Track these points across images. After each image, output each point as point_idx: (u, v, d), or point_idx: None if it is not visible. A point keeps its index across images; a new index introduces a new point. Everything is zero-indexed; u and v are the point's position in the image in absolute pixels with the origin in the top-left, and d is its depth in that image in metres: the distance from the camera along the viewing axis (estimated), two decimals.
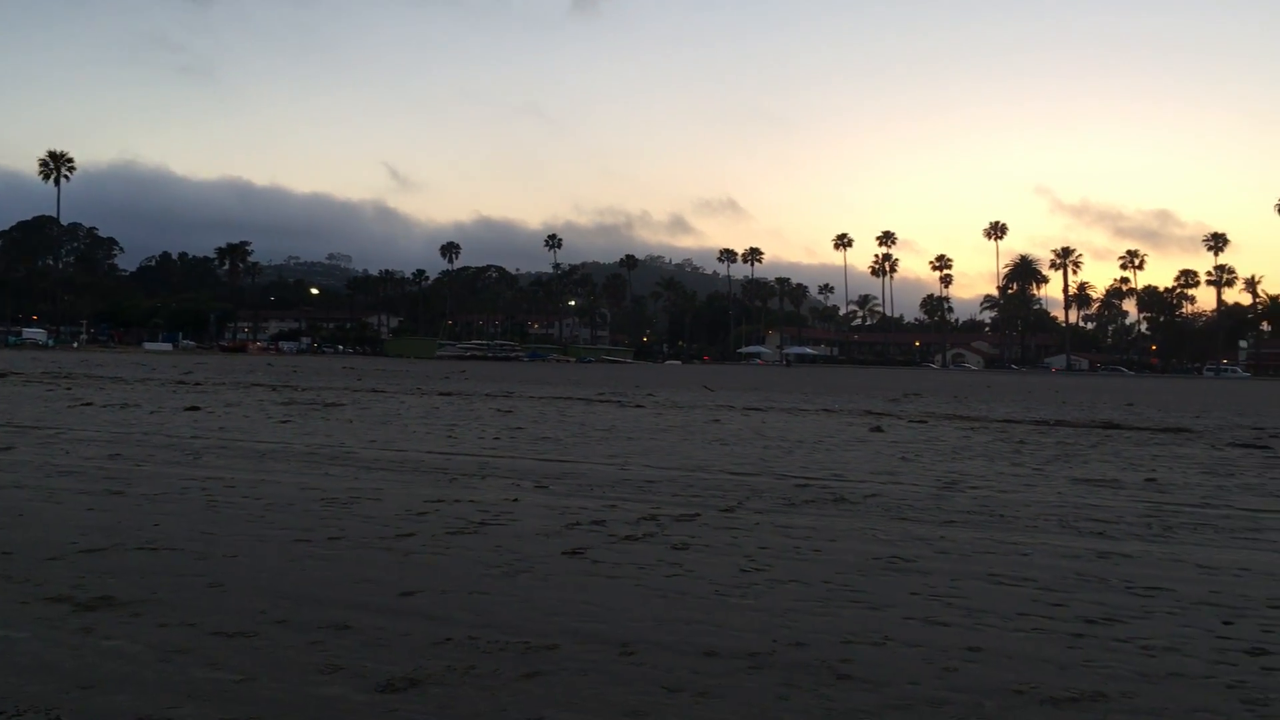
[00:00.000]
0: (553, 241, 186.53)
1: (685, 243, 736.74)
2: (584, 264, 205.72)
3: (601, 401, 27.52)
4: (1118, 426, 21.06)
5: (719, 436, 16.73)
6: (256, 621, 5.17)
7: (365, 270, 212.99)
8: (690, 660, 4.72)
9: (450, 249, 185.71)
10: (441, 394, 29.62)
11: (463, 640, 4.94)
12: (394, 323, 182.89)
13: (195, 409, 20.13)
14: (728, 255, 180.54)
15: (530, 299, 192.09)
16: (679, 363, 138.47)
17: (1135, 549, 7.55)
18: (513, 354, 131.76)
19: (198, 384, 31.84)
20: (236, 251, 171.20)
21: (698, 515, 8.65)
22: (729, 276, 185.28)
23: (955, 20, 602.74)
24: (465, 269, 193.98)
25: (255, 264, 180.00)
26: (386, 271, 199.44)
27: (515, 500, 9.27)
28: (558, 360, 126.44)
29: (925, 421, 21.75)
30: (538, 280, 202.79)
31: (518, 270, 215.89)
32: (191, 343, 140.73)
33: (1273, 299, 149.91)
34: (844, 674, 4.56)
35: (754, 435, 17.22)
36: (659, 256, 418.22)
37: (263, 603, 5.53)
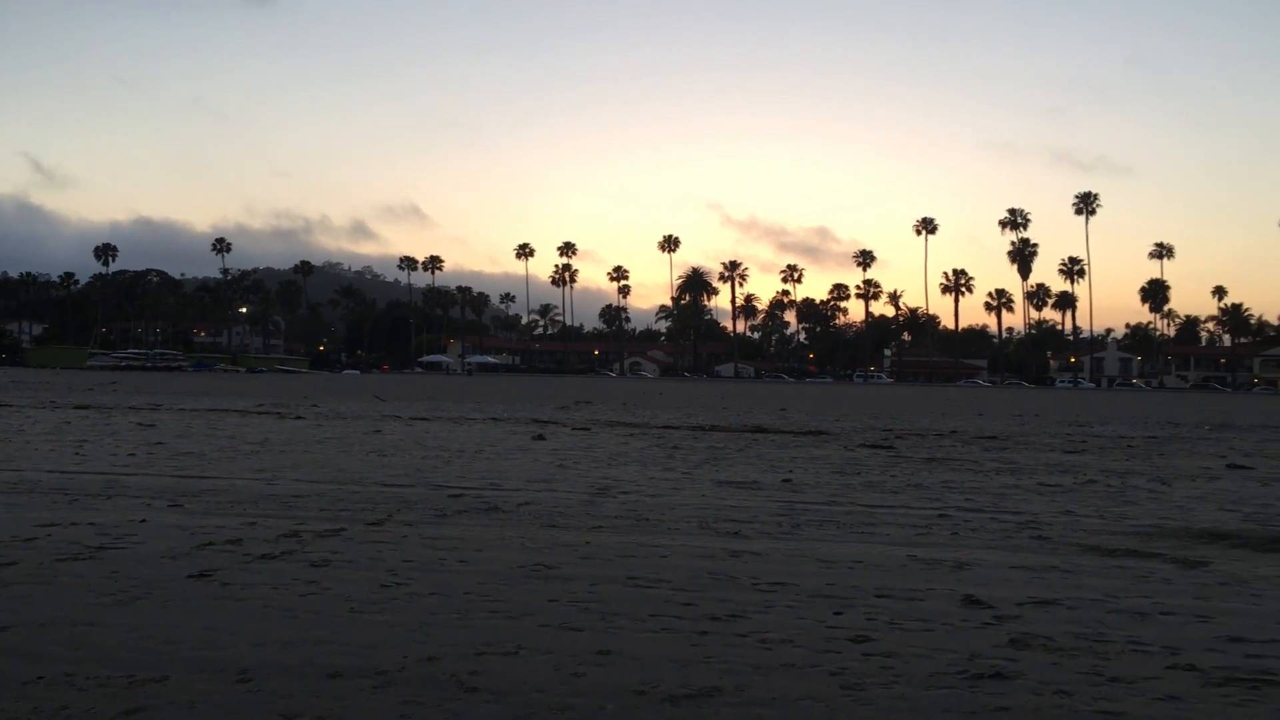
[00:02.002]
0: (221, 245, 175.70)
1: (367, 249, 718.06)
2: (257, 269, 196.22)
3: (260, 413, 26.21)
4: (766, 430, 22.48)
5: (378, 448, 16.32)
6: None
7: (5, 273, 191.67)
8: (313, 683, 4.52)
9: (106, 251, 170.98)
10: (78, 407, 27.12)
11: (57, 678, 4.49)
12: (39, 330, 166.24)
13: None
14: (409, 263, 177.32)
15: (196, 306, 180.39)
16: (357, 372, 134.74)
17: (765, 546, 8.01)
18: (175, 364, 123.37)
19: None
20: None
21: (343, 530, 8.36)
22: (410, 284, 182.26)
23: (633, 38, 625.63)
24: (123, 273, 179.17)
25: None
26: (29, 274, 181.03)
27: (143, 521, 8.59)
28: (226, 370, 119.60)
29: (588, 429, 22.26)
30: (204, 286, 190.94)
31: (183, 275, 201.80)
32: None
33: (912, 311, 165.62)
34: (472, 686, 4.51)
35: (414, 445, 16.94)
36: (338, 263, 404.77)
37: None
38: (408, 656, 4.91)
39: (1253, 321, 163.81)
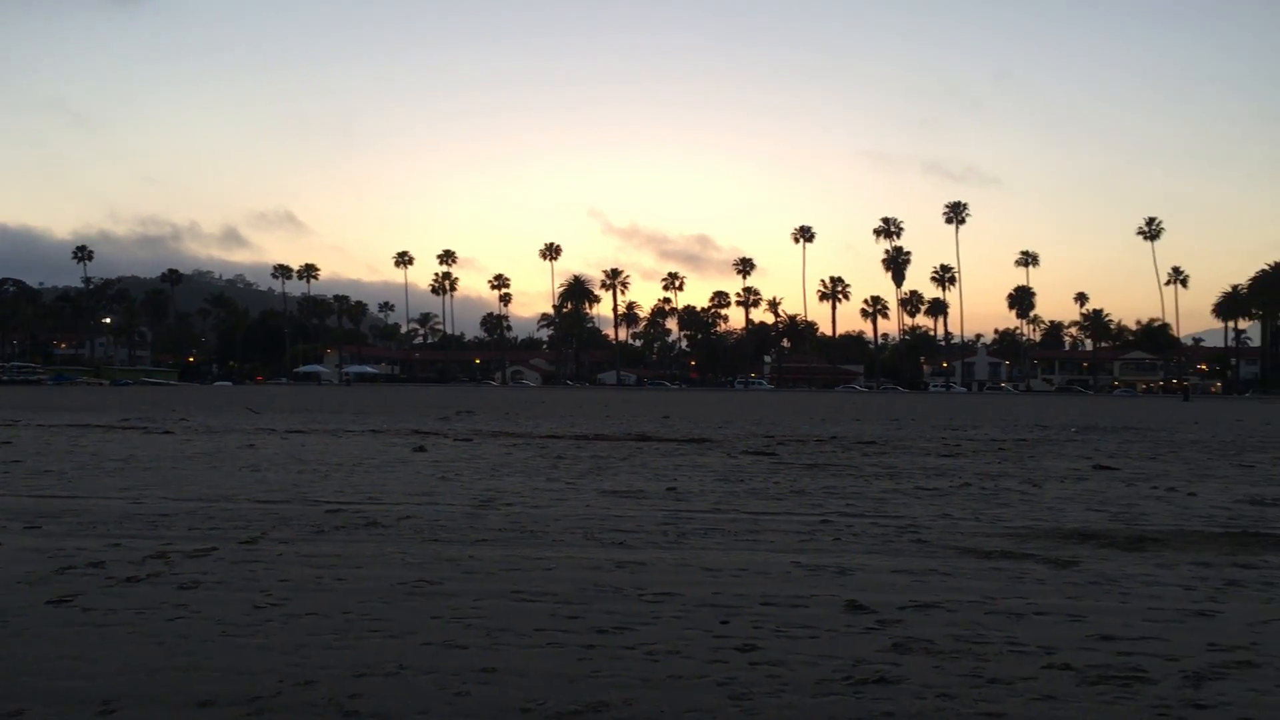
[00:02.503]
0: (83, 253, 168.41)
1: (239, 257, 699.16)
2: (121, 278, 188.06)
3: (124, 429, 25.17)
4: (650, 439, 22.53)
5: (251, 463, 15.80)
6: None
7: None
8: (182, 712, 4.32)
9: None
10: None
11: None
12: None
13: None
14: (283, 271, 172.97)
15: (56, 316, 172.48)
16: (230, 384, 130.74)
17: (651, 556, 7.97)
18: (34, 377, 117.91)
19: None
20: None
21: (214, 550, 8.03)
22: (285, 293, 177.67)
23: (513, 45, 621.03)
24: None
25: None
26: None
27: None
28: (89, 383, 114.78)
29: (471, 440, 21.98)
30: (65, 295, 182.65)
31: (41, 284, 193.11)
32: None
33: (791, 318, 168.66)
34: (351, 710, 4.36)
35: (290, 460, 16.46)
36: (209, 271, 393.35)
37: None
38: (284, 681, 4.72)
39: (1113, 326, 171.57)
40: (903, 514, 10.52)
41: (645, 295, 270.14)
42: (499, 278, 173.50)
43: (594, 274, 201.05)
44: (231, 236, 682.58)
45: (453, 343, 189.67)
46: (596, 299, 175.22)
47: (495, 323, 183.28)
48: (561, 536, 8.88)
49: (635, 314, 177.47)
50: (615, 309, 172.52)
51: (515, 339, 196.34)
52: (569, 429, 27.08)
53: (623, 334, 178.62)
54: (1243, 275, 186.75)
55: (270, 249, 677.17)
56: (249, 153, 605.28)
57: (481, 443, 21.04)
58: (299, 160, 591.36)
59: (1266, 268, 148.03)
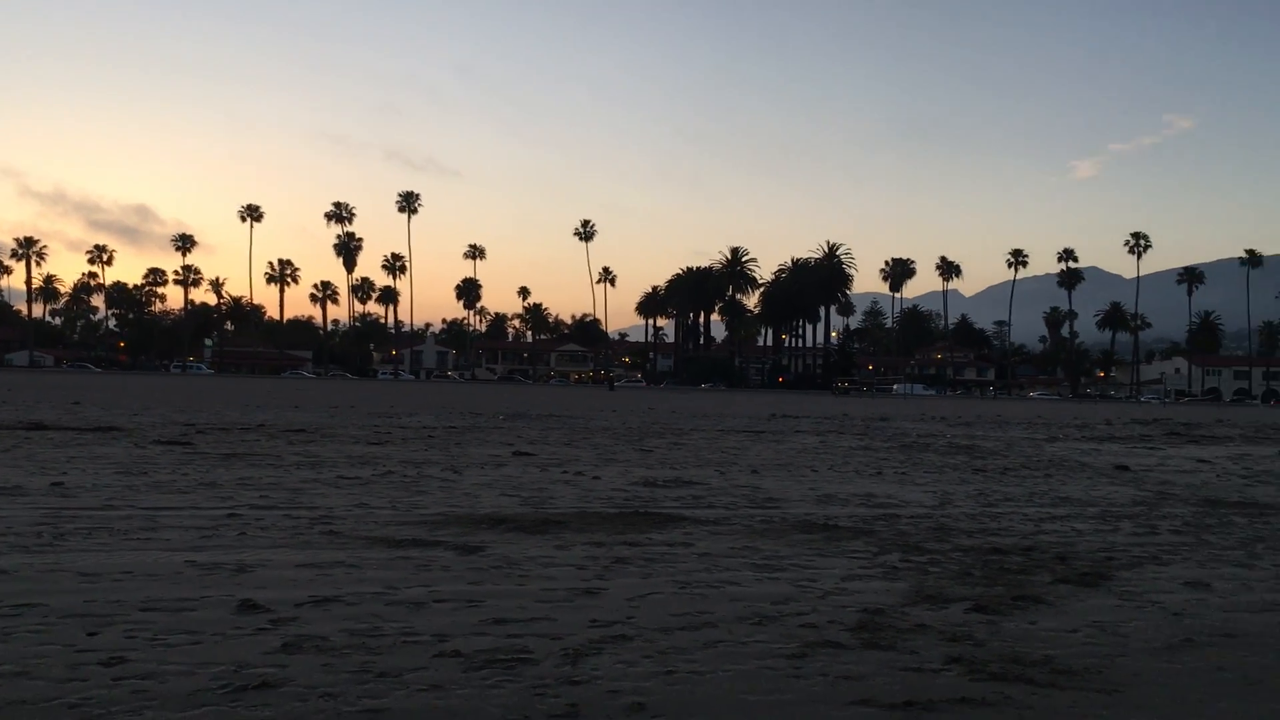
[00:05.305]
0: None
1: None
2: None
3: None
4: (46, 427, 19.87)
5: None
6: None
7: None
8: None
9: None
10: None
11: None
12: None
13: None
14: None
15: None
16: None
17: (15, 563, 6.94)
18: None
19: None
20: None
21: None
22: None
23: None
24: None
25: None
26: None
27: None
28: None
29: None
30: None
31: None
32: None
33: (236, 300, 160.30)
34: None
35: None
36: None
37: None
38: None
39: (551, 320, 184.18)
40: (318, 505, 10.20)
41: (68, 268, 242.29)
42: None
43: (4, 241, 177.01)
44: None
45: None
46: (7, 270, 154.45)
47: None
48: None
49: (55, 289, 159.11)
50: (29, 282, 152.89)
51: None
52: None
53: (39, 310, 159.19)
54: (662, 278, 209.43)
55: None
56: None
57: None
58: None
59: (680, 272, 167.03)
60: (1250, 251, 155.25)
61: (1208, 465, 19.30)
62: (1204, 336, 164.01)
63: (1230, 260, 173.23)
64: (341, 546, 7.96)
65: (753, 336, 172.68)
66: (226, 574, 6.85)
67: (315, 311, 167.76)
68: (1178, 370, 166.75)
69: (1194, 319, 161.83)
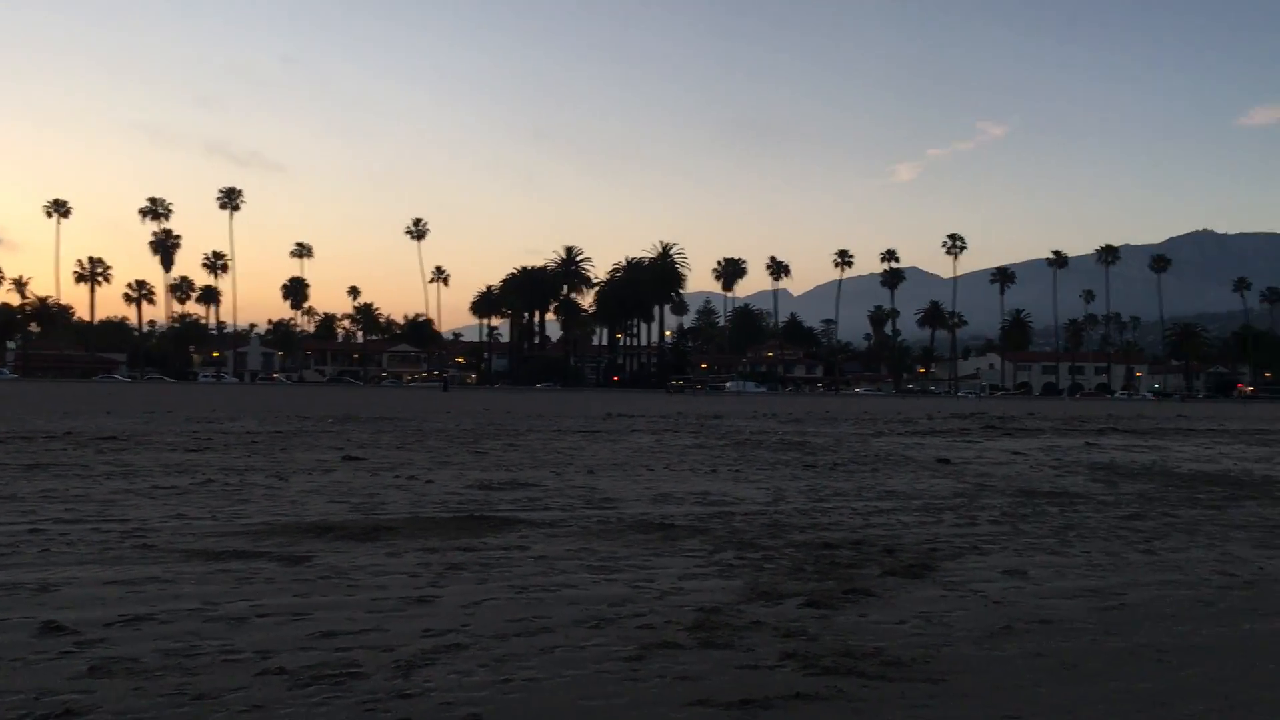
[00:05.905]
0: None
1: None
2: None
3: None
4: None
5: None
6: None
7: None
8: None
9: None
10: None
11: None
12: None
13: None
14: None
15: None
16: None
17: None
18: None
19: None
20: None
21: None
22: None
23: None
24: None
25: None
26: None
27: None
28: None
29: None
30: None
31: None
32: None
33: (42, 300, 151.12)
34: None
35: None
36: None
37: None
38: None
39: (382, 320, 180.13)
40: (131, 517, 9.61)
41: None
42: None
43: None
44: None
45: None
46: None
47: None
48: None
49: None
50: None
51: None
52: None
53: None
54: (496, 277, 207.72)
55: None
56: None
57: None
58: None
59: (514, 271, 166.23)
60: (1056, 253, 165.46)
61: (1022, 457, 20.25)
62: (1015, 333, 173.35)
63: (1039, 261, 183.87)
64: (156, 561, 7.51)
65: (588, 336, 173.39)
66: (27, 594, 6.37)
67: (130, 312, 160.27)
68: (992, 366, 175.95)
69: (1006, 317, 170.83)
